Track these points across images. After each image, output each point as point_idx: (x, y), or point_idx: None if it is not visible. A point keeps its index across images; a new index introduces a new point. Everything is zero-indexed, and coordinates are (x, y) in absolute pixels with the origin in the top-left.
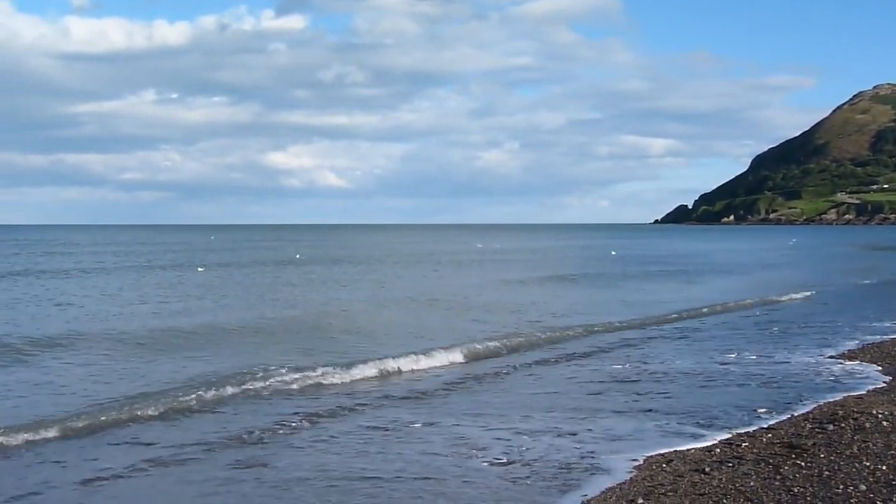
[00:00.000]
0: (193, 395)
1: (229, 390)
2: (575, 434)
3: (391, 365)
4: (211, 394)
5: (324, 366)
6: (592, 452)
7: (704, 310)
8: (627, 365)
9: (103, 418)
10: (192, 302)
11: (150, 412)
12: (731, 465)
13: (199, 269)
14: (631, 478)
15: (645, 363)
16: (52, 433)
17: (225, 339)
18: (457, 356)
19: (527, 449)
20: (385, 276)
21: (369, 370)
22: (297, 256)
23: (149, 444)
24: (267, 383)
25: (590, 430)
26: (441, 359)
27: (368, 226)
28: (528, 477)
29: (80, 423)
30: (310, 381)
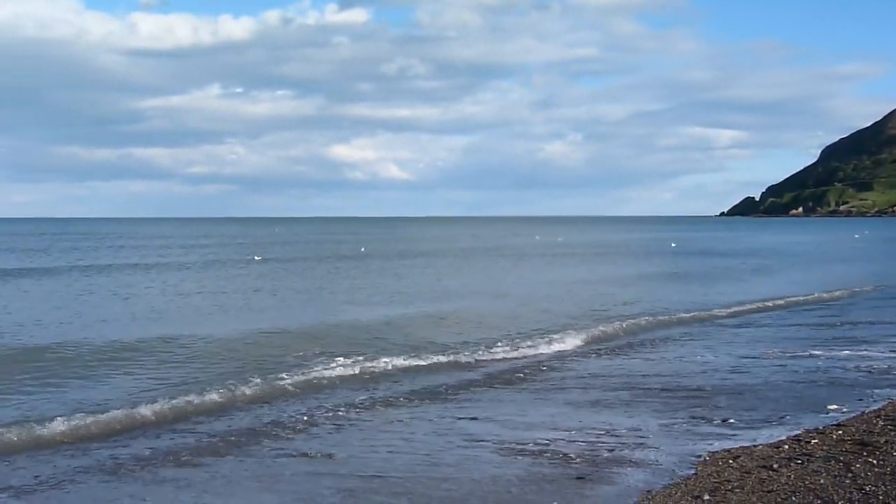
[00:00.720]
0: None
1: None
2: (638, 429)
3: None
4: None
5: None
6: (656, 447)
7: (769, 303)
8: (695, 358)
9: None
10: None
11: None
12: (799, 462)
13: (257, 258)
14: (696, 474)
15: (706, 357)
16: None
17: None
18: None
19: (589, 443)
20: (455, 271)
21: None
22: (363, 250)
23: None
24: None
25: (653, 423)
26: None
27: (430, 218)
28: (589, 474)
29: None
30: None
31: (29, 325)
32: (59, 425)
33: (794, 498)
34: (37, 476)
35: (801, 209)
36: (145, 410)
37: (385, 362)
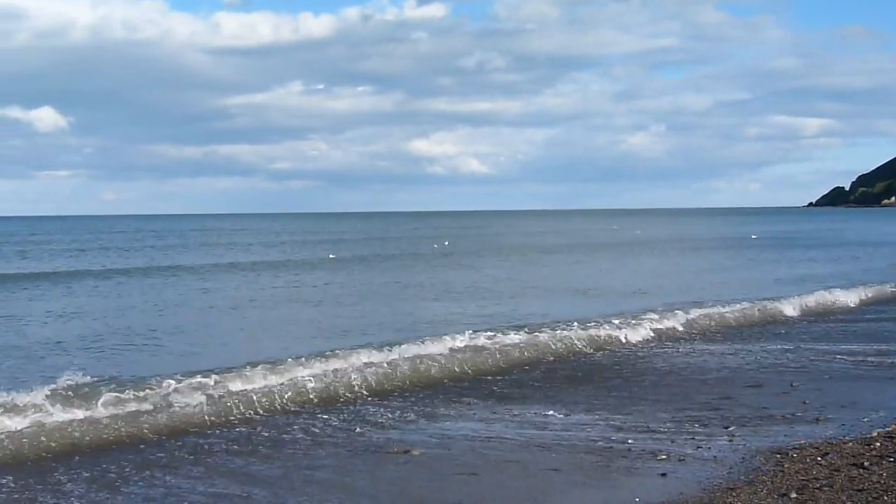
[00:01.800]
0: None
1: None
2: (728, 427)
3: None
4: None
5: None
6: (743, 443)
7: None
8: (785, 355)
9: None
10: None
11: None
12: (892, 459)
13: (331, 256)
14: (783, 471)
15: (794, 352)
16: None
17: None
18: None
19: (675, 440)
20: (538, 265)
21: None
22: (446, 244)
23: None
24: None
25: (738, 419)
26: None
27: (512, 212)
28: (673, 471)
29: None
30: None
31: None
32: None
33: (886, 497)
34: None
35: (893, 199)
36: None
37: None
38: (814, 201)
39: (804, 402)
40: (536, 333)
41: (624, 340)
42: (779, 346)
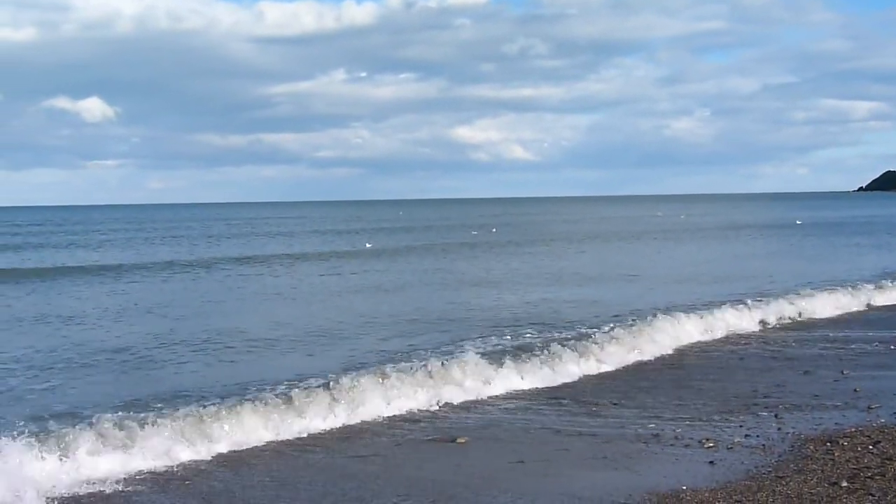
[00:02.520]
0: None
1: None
2: (777, 415)
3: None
4: None
5: None
6: (792, 431)
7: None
8: (835, 343)
9: None
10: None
11: None
12: None
13: (368, 246)
14: (833, 459)
15: (844, 340)
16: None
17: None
18: None
19: (724, 428)
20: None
21: None
22: (493, 231)
23: None
24: None
25: (788, 407)
26: None
27: (555, 198)
28: (722, 459)
29: None
30: None
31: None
32: None
33: None
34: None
35: None
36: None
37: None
38: (864, 185)
39: (855, 391)
40: None
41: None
42: (829, 334)
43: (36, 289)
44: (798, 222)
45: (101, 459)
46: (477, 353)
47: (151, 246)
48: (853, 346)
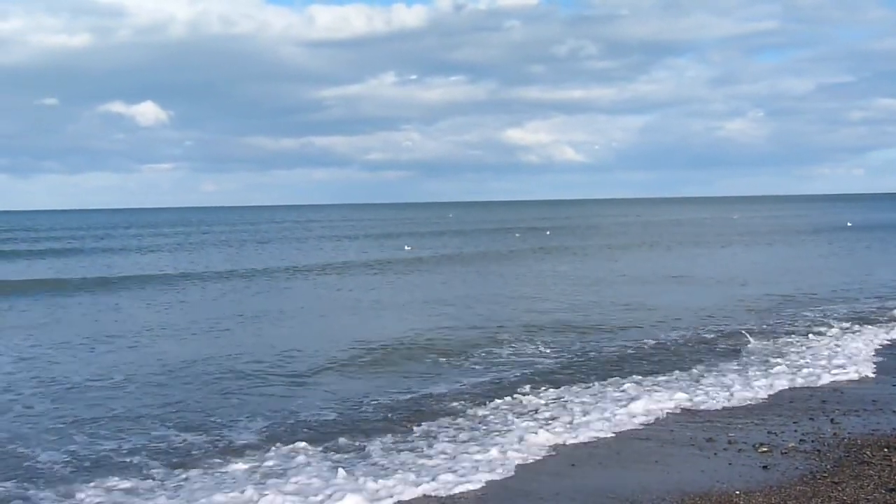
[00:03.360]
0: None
1: None
2: (833, 420)
3: None
4: None
5: None
6: (849, 434)
7: None
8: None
9: None
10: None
11: None
12: None
13: (407, 248)
14: (891, 465)
15: None
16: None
17: None
18: None
19: (779, 433)
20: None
21: None
22: (547, 233)
23: None
24: None
25: (846, 412)
26: None
27: (607, 200)
28: (777, 464)
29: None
30: None
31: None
32: None
33: None
34: None
35: None
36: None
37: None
38: None
39: None
40: None
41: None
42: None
43: (149, 296)
44: (849, 224)
45: None
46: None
47: (225, 251)
48: None
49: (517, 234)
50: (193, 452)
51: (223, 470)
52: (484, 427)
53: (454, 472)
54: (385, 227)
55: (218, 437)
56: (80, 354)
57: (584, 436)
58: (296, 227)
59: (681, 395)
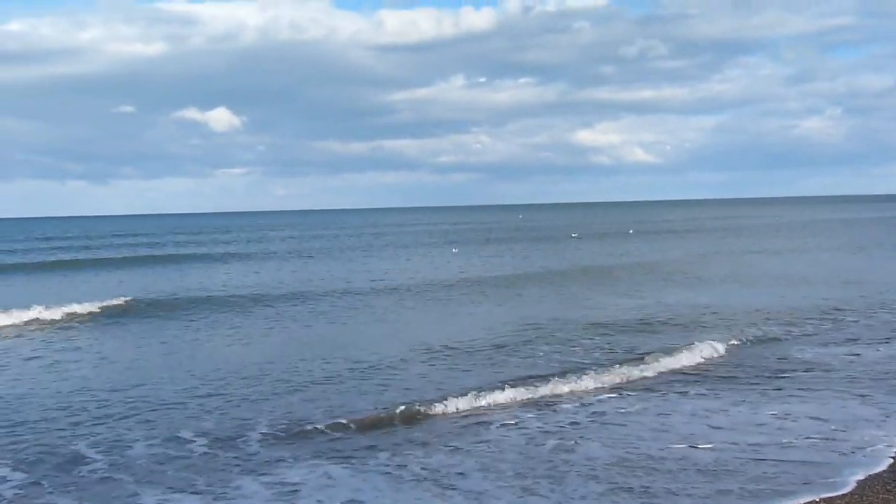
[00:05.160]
0: None
1: None
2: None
3: None
4: None
5: None
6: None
7: None
8: None
9: None
10: None
11: None
12: None
13: (454, 251)
14: None
15: None
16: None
17: None
18: None
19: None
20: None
21: None
22: (631, 232)
23: None
24: None
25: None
26: None
27: (680, 202)
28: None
29: None
30: None
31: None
32: None
33: None
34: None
35: None
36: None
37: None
38: None
39: None
40: None
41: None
42: None
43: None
44: None
45: None
46: None
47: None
48: None
49: (631, 231)
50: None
51: None
52: None
53: None
54: (501, 233)
55: None
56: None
57: None
58: (406, 233)
59: None
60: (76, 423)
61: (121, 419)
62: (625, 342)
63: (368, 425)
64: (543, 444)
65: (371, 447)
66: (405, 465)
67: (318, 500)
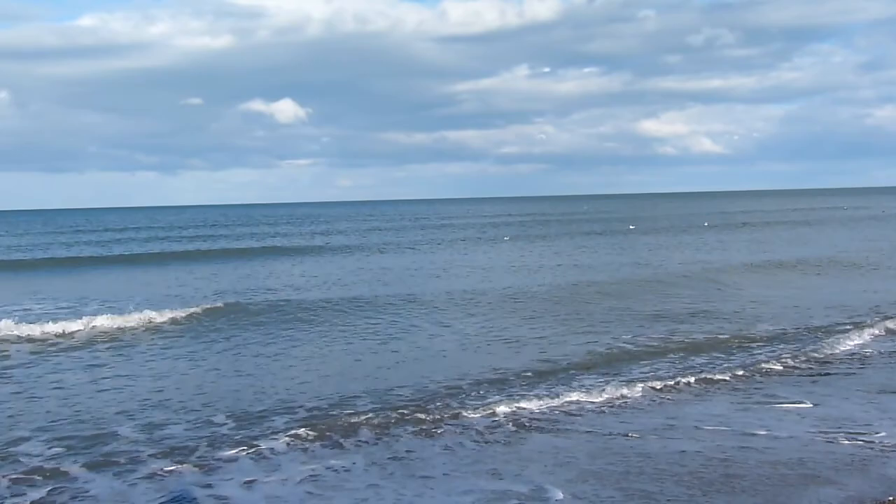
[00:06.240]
0: None
1: None
2: None
3: None
4: None
5: None
6: None
7: None
8: None
9: None
10: None
11: None
12: None
13: (505, 239)
14: None
15: None
16: None
17: None
18: None
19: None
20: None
21: None
22: (705, 224)
23: None
24: None
25: None
26: None
27: (749, 192)
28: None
29: None
30: None
31: None
32: None
33: None
34: None
35: None
36: None
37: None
38: None
39: None
40: None
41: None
42: None
43: None
44: None
45: None
46: None
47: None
48: None
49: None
50: None
51: None
52: None
53: None
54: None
55: None
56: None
57: None
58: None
59: None
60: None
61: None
62: None
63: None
64: None
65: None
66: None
67: None
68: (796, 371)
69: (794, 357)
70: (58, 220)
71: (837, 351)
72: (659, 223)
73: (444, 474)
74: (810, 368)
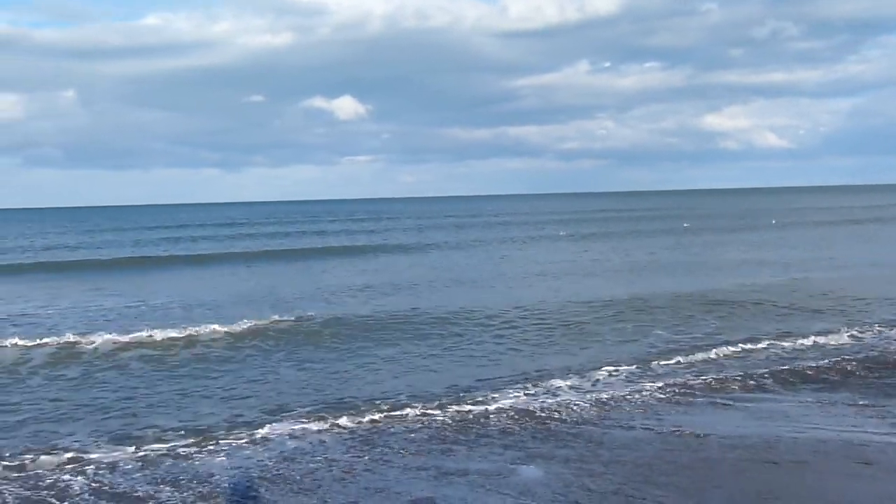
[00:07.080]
0: None
1: None
2: None
3: None
4: None
5: None
6: None
7: None
8: None
9: None
10: None
11: None
12: None
13: (561, 234)
14: None
15: None
16: None
17: None
18: None
19: None
20: None
21: None
22: (773, 222)
23: None
24: None
25: None
26: None
27: (815, 188)
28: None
29: None
30: None
31: None
32: None
33: None
34: None
35: None
36: None
37: None
38: None
39: None
40: None
41: None
42: None
43: None
44: None
45: None
46: None
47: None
48: None
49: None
50: None
51: None
52: None
53: None
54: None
55: None
56: None
57: None
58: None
59: None
60: None
61: None
62: None
63: None
64: None
65: None
66: None
67: None
68: None
69: None
70: (131, 217)
71: None
72: (717, 221)
73: None
74: None
